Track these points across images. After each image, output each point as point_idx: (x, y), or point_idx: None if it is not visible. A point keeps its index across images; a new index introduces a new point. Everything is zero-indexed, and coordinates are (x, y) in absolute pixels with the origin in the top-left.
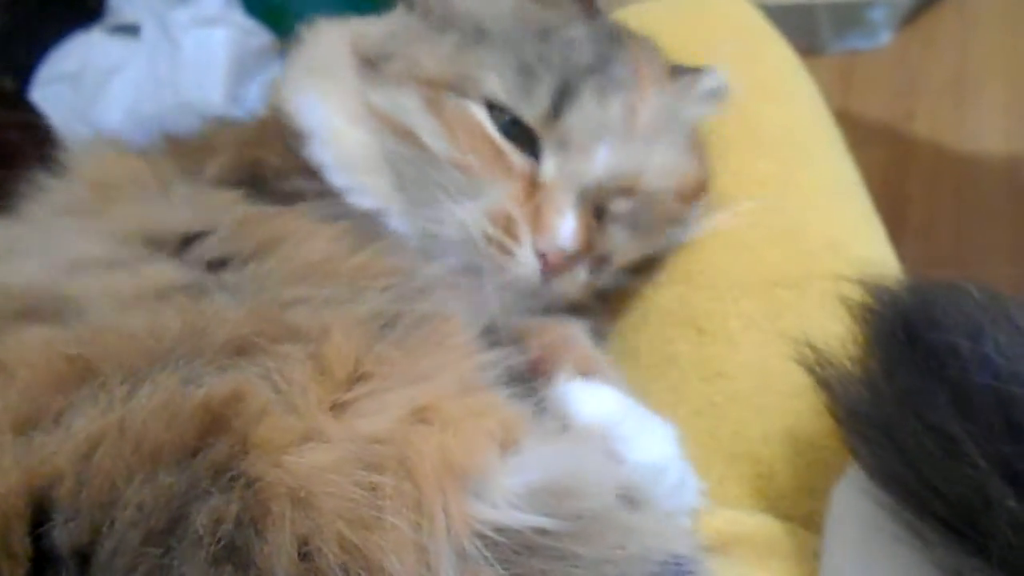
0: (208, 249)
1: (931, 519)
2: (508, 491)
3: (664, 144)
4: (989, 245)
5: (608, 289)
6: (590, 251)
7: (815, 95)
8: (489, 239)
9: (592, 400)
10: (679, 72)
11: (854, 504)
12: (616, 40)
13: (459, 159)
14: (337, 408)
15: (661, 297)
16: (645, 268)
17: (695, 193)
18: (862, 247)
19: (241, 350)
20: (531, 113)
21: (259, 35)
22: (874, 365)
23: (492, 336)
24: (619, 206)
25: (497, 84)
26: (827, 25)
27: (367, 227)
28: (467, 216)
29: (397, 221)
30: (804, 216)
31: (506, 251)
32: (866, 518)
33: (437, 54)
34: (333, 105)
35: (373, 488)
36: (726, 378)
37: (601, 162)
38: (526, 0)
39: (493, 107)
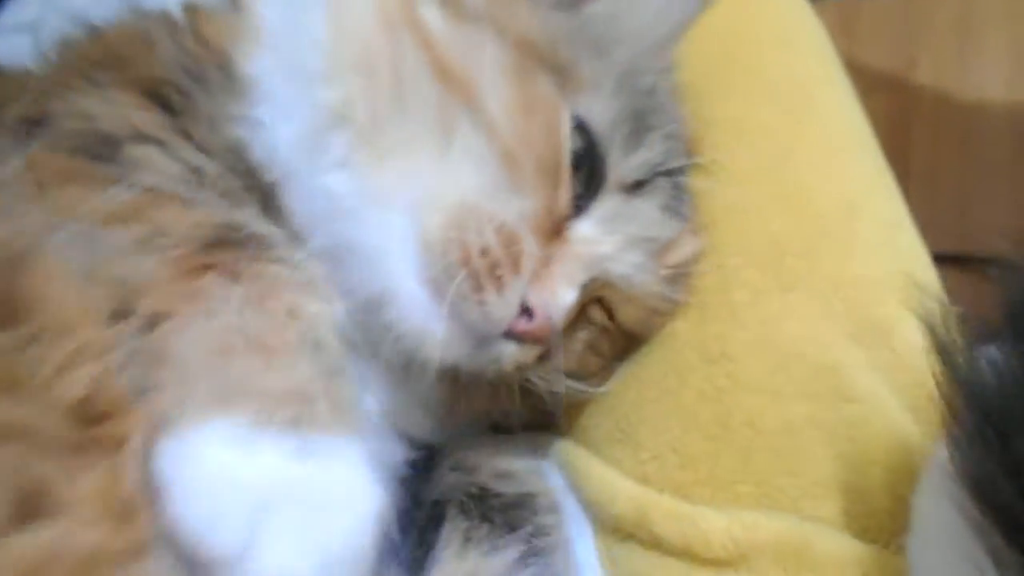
0: None
1: None
2: None
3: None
4: (991, 193)
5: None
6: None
7: (824, 40)
8: (484, 252)
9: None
10: None
11: (936, 515)
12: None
13: (514, 146)
14: None
15: None
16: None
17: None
18: (879, 208)
19: None
20: (619, 166)
21: None
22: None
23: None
24: (594, 313)
25: (598, 111)
26: None
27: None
28: (463, 208)
29: (334, 176)
30: (813, 173)
31: (495, 281)
32: (950, 535)
33: (545, 23)
34: None
35: None
36: (732, 359)
37: (627, 263)
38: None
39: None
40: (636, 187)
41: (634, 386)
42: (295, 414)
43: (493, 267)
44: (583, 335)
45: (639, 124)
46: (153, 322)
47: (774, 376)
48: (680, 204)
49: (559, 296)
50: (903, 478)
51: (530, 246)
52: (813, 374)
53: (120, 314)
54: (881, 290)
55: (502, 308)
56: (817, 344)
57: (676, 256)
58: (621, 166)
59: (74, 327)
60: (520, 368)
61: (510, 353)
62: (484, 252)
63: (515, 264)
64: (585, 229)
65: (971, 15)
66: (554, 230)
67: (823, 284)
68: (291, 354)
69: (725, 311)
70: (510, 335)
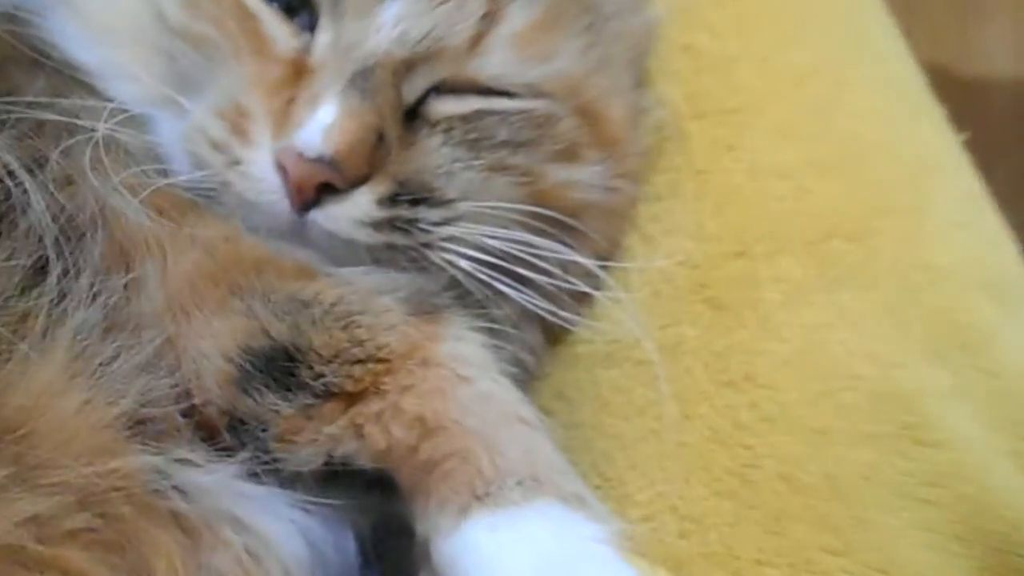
0: None
1: None
2: None
3: (529, 1)
4: (994, 177)
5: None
6: (374, 166)
7: None
8: (213, 145)
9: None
10: None
11: None
12: None
13: (192, 28)
14: None
15: (654, 255)
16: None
17: (614, 127)
18: (952, 173)
19: None
20: None
21: None
22: None
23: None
24: (444, 106)
25: None
26: None
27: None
28: (193, 115)
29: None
30: (863, 131)
31: (233, 159)
32: None
33: None
34: None
35: None
36: (760, 383)
37: (390, 21)
38: None
39: None
40: None
41: (619, 410)
42: (574, 489)
43: (226, 152)
44: (440, 146)
45: None
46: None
47: (818, 408)
48: None
49: (304, 123)
50: (1006, 559)
51: (256, 106)
52: (874, 406)
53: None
54: (966, 285)
55: (258, 184)
56: (879, 363)
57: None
58: None
59: None
60: (383, 230)
61: (334, 225)
62: (214, 145)
63: (243, 133)
64: (320, 41)
65: None
66: (298, 73)
67: (887, 278)
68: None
69: (750, 315)
70: (302, 204)
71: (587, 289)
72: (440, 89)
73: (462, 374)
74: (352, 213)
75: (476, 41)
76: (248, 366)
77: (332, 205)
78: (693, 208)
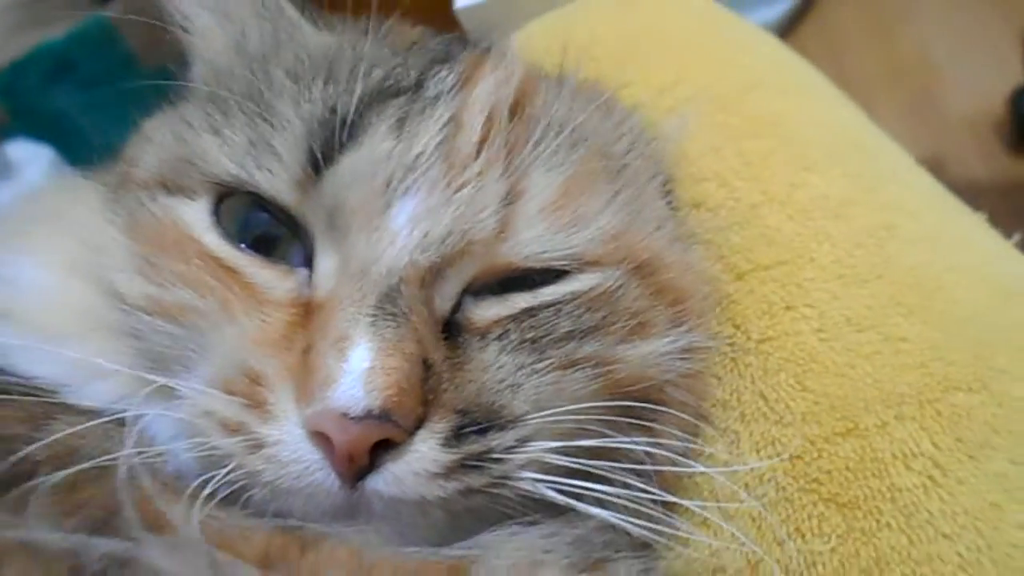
0: None
1: None
2: None
3: (548, 168)
4: None
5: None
6: (429, 402)
7: (827, 83)
8: (226, 426)
9: None
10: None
11: None
12: (442, 52)
13: (163, 299)
14: None
15: (740, 454)
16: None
17: (672, 275)
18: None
19: None
20: (276, 181)
21: None
22: None
23: None
24: (487, 310)
25: (220, 151)
26: None
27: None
28: (189, 397)
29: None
30: (931, 257)
31: (254, 443)
32: None
33: (159, 141)
34: (44, 254)
35: None
36: None
37: (405, 225)
38: (256, 22)
39: (233, 194)
40: (326, 158)
41: None
42: None
43: (246, 433)
44: (497, 356)
45: (272, 110)
46: None
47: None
48: (419, 104)
49: (336, 377)
50: None
51: (265, 366)
52: None
53: None
54: None
55: (293, 467)
56: None
57: (474, 128)
58: (282, 165)
59: None
60: (455, 474)
61: (403, 487)
62: (226, 426)
63: (260, 404)
64: (322, 270)
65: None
66: (305, 315)
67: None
68: None
69: (890, 510)
70: (353, 474)
71: (678, 499)
72: (472, 289)
73: None
74: (417, 467)
75: (504, 224)
76: None
77: (391, 464)
78: (766, 386)
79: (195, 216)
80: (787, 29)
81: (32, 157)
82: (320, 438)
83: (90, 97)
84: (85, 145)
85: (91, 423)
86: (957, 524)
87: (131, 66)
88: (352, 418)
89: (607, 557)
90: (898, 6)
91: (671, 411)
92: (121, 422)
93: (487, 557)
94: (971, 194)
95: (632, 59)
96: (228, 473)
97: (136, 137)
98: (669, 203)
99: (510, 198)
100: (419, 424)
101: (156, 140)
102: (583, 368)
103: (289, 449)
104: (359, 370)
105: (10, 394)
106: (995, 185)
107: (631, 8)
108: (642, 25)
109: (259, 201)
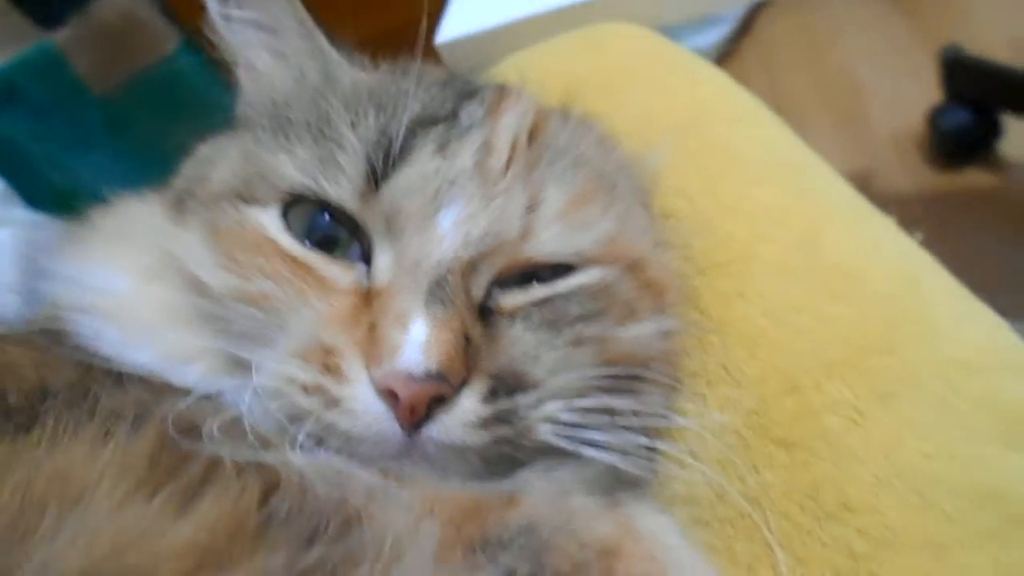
0: None
1: None
2: None
3: (559, 184)
4: None
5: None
6: (470, 368)
7: (765, 109)
8: (305, 389)
9: None
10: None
11: None
12: (468, 87)
13: (248, 289)
14: None
15: (709, 410)
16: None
17: (653, 271)
18: (929, 277)
19: None
20: (341, 191)
21: (47, 227)
22: None
23: None
24: (513, 298)
25: (290, 166)
26: None
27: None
28: (272, 367)
29: (237, 397)
30: (848, 257)
31: (331, 400)
32: None
33: (228, 160)
34: (120, 263)
35: None
36: (859, 509)
37: (450, 228)
38: (311, 62)
39: (300, 202)
40: (383, 172)
41: (725, 573)
42: None
43: (323, 393)
44: (522, 334)
45: (335, 130)
46: None
47: (926, 521)
48: (456, 130)
49: (400, 345)
50: None
51: (337, 340)
52: (976, 504)
53: None
54: (993, 369)
55: (365, 418)
56: (961, 461)
57: (503, 151)
58: (346, 177)
59: None
60: (493, 425)
61: (452, 435)
62: (306, 389)
63: (336, 371)
64: (380, 264)
65: (783, 100)
66: (366, 301)
67: (931, 381)
68: None
69: (821, 446)
70: (415, 424)
71: (660, 445)
72: (499, 281)
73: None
74: (463, 418)
75: (527, 228)
76: None
77: (443, 415)
78: (726, 357)
79: (270, 221)
80: (726, 52)
81: None
82: (388, 394)
83: (39, 124)
84: (35, 173)
85: (193, 397)
86: (871, 454)
87: (80, 93)
88: (416, 377)
89: (613, 489)
90: (827, 30)
91: (654, 378)
92: (210, 397)
93: (529, 490)
94: (897, 205)
95: (608, 95)
96: (309, 425)
97: (192, 159)
98: (648, 214)
99: (531, 207)
100: (463, 384)
101: (223, 159)
102: (587, 344)
103: (362, 404)
104: (419, 340)
105: (128, 379)
106: (919, 196)
107: (601, 50)
108: (613, 65)
109: (325, 208)
